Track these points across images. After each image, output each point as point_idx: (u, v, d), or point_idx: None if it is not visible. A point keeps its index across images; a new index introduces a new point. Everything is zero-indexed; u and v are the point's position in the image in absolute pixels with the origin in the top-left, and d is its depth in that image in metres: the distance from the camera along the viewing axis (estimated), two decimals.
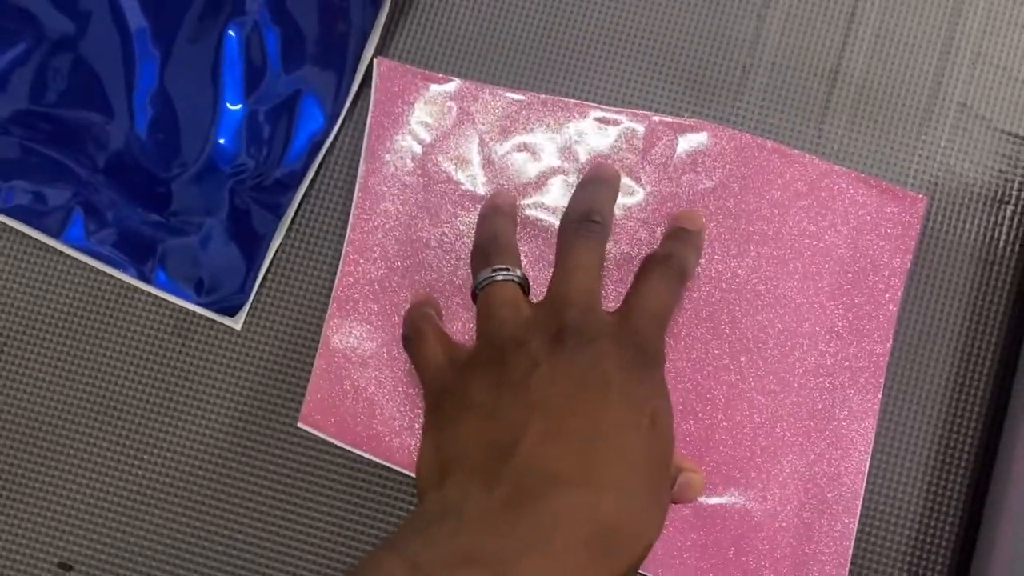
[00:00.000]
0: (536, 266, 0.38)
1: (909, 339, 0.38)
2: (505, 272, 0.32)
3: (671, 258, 0.33)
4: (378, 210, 0.39)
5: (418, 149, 0.39)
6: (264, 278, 0.39)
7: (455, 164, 0.39)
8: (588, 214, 0.32)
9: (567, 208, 0.33)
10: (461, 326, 0.38)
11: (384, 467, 0.38)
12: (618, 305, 0.32)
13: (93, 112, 0.40)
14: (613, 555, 0.25)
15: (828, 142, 0.39)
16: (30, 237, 0.39)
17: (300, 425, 0.38)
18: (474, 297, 0.32)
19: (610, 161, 0.39)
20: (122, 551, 0.38)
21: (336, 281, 0.38)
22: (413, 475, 0.37)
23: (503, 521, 0.25)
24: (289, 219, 0.39)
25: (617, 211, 0.38)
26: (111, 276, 0.39)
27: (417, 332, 0.33)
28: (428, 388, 0.31)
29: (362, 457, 0.38)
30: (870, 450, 0.37)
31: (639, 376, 0.28)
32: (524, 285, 0.32)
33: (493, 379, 0.29)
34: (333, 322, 0.38)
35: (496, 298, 0.31)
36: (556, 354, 0.28)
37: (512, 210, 0.36)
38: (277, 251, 0.39)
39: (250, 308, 0.39)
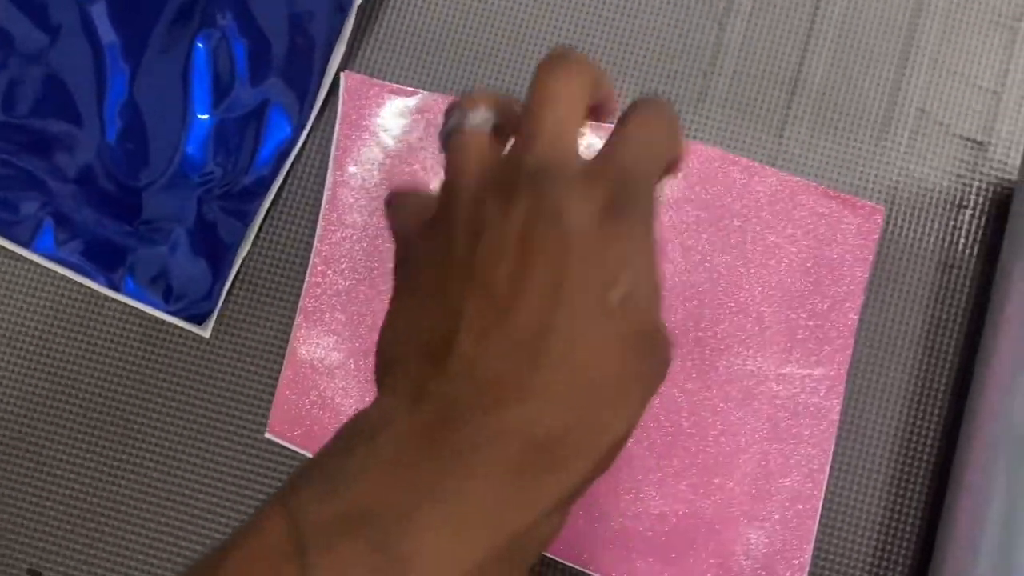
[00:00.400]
0: None
1: (870, 345, 0.38)
2: (478, 115, 0.25)
3: (660, 100, 0.26)
4: (346, 221, 0.39)
5: (385, 161, 0.39)
6: (232, 286, 0.39)
7: (421, 175, 0.39)
8: (570, 50, 0.25)
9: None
10: None
11: None
12: None
13: (64, 122, 0.40)
14: (557, 471, 0.22)
15: (789, 149, 0.39)
16: (0, 246, 0.40)
17: (267, 435, 0.38)
18: (444, 150, 0.26)
19: None
20: (91, 558, 0.38)
21: (303, 292, 0.39)
22: None
23: (417, 457, 0.21)
24: (256, 227, 0.39)
25: None
26: (80, 284, 0.40)
27: (395, 195, 0.28)
28: (395, 254, 0.27)
29: None
30: (830, 459, 0.37)
31: (613, 229, 0.22)
32: (503, 132, 0.26)
33: (441, 249, 0.23)
34: (300, 332, 0.39)
35: (458, 148, 0.25)
36: (508, 212, 0.22)
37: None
38: (245, 259, 0.39)
39: (219, 316, 0.39)
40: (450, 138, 0.25)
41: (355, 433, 0.23)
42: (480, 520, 0.21)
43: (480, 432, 0.21)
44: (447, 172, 0.25)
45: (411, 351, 0.23)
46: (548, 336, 0.22)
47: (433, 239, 0.24)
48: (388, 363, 0.24)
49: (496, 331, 0.22)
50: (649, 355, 0.23)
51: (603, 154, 0.24)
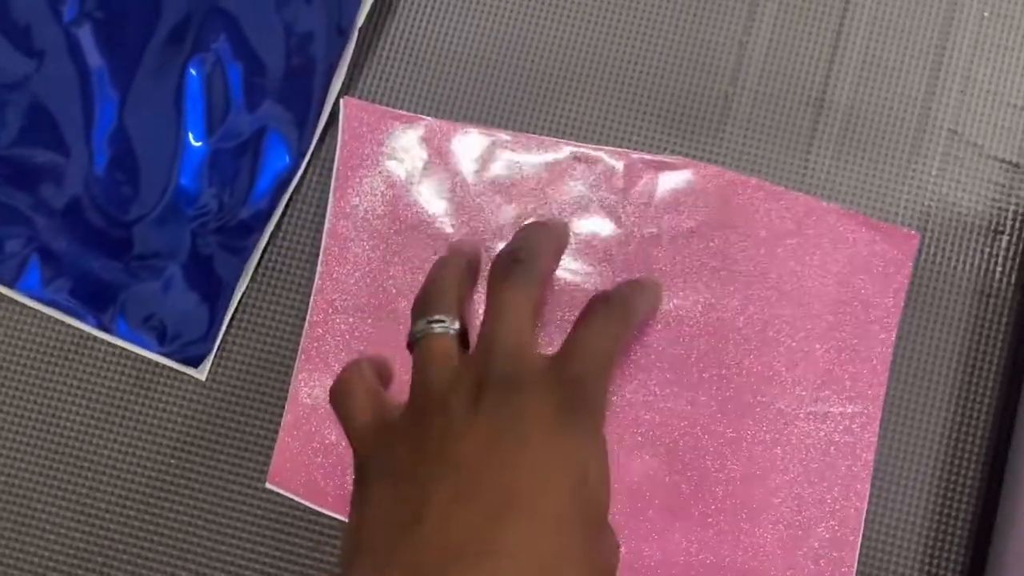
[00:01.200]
0: None
1: (905, 379, 0.36)
2: (441, 324, 0.29)
3: (614, 297, 0.30)
4: (348, 256, 0.37)
5: (388, 191, 0.37)
6: (230, 325, 0.37)
7: (427, 206, 0.37)
8: (514, 254, 0.29)
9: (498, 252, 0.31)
10: None
11: None
12: None
13: (49, 152, 0.38)
14: None
15: (815, 173, 0.37)
16: None
17: (268, 485, 0.36)
18: (410, 350, 0.30)
19: (590, 200, 0.37)
20: None
21: (304, 332, 0.37)
22: None
23: None
24: (255, 263, 0.37)
25: (598, 249, 0.37)
26: (68, 325, 0.37)
27: (344, 388, 0.30)
28: (355, 455, 0.29)
29: (335, 519, 0.36)
30: (866, 500, 0.35)
31: (569, 427, 0.26)
32: (464, 339, 0.30)
33: (412, 442, 0.26)
34: (302, 375, 0.36)
35: (428, 352, 0.29)
36: (475, 410, 0.26)
37: (472, 254, 0.34)
38: (243, 297, 0.37)
39: (215, 357, 0.37)
40: (417, 342, 0.29)
41: None
42: None
43: None
44: (416, 373, 0.28)
45: (380, 531, 0.25)
46: (509, 509, 0.24)
47: (401, 433, 0.27)
48: (356, 547, 0.26)
49: (463, 502, 0.24)
50: (601, 535, 0.26)
51: (560, 358, 0.28)
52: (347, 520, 0.27)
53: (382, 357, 0.34)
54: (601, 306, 0.29)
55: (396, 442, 0.27)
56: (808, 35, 0.38)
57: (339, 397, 0.30)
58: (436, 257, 0.37)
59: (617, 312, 0.29)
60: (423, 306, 0.30)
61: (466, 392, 0.27)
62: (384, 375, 0.32)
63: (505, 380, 0.26)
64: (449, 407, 0.26)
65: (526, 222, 0.36)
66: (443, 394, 0.27)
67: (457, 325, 0.29)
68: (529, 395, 0.26)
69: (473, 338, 0.31)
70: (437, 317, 0.29)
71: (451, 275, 0.31)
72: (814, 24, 0.38)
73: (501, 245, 0.37)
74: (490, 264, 0.30)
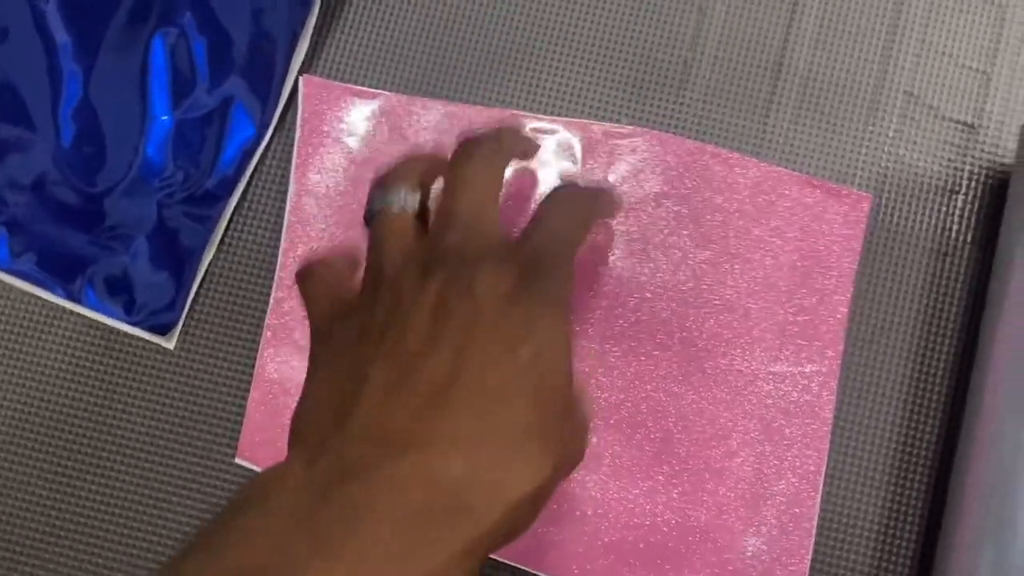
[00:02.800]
0: None
1: (863, 338, 0.37)
2: (400, 197, 0.27)
3: (580, 187, 0.29)
4: (311, 232, 0.37)
5: (350, 167, 0.38)
6: (197, 294, 0.38)
7: None
8: (477, 137, 0.28)
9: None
10: None
11: None
12: None
13: (16, 128, 0.39)
14: (461, 518, 0.21)
15: (774, 137, 0.38)
16: None
17: (237, 460, 0.36)
18: (367, 225, 0.28)
19: (548, 172, 0.37)
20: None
21: (269, 309, 0.37)
22: None
23: (310, 514, 0.21)
24: (220, 232, 0.38)
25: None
26: (36, 296, 0.38)
27: (307, 270, 0.28)
28: (311, 336, 0.27)
29: None
30: (826, 457, 0.35)
31: (524, 302, 0.23)
32: (424, 217, 0.28)
33: (359, 323, 0.24)
34: (268, 351, 0.37)
35: (383, 228, 0.26)
36: (424, 285, 0.24)
37: (438, 159, 0.30)
38: (209, 266, 0.38)
39: (184, 326, 0.37)
40: (374, 218, 0.27)
41: (247, 496, 0.22)
42: (378, 572, 0.21)
43: (377, 483, 0.21)
44: (370, 251, 0.27)
45: (318, 418, 0.23)
46: (452, 387, 0.22)
47: (352, 315, 0.25)
48: (296, 433, 0.24)
49: (400, 389, 0.22)
50: (562, 416, 0.24)
51: (521, 235, 0.26)
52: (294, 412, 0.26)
53: (354, 247, 0.33)
54: (565, 192, 0.28)
55: (344, 325, 0.25)
56: (766, 0, 0.39)
57: (302, 279, 0.28)
58: None
59: (582, 198, 0.28)
60: (382, 182, 0.28)
61: (416, 267, 0.24)
62: (355, 265, 0.30)
63: (458, 252, 0.24)
64: (397, 284, 0.24)
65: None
66: (394, 271, 0.25)
67: (415, 202, 0.27)
68: (483, 267, 0.24)
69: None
70: (394, 192, 0.27)
71: (415, 159, 0.29)
72: None
73: None
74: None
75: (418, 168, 0.28)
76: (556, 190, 0.28)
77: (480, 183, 0.26)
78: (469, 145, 0.27)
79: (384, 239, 0.26)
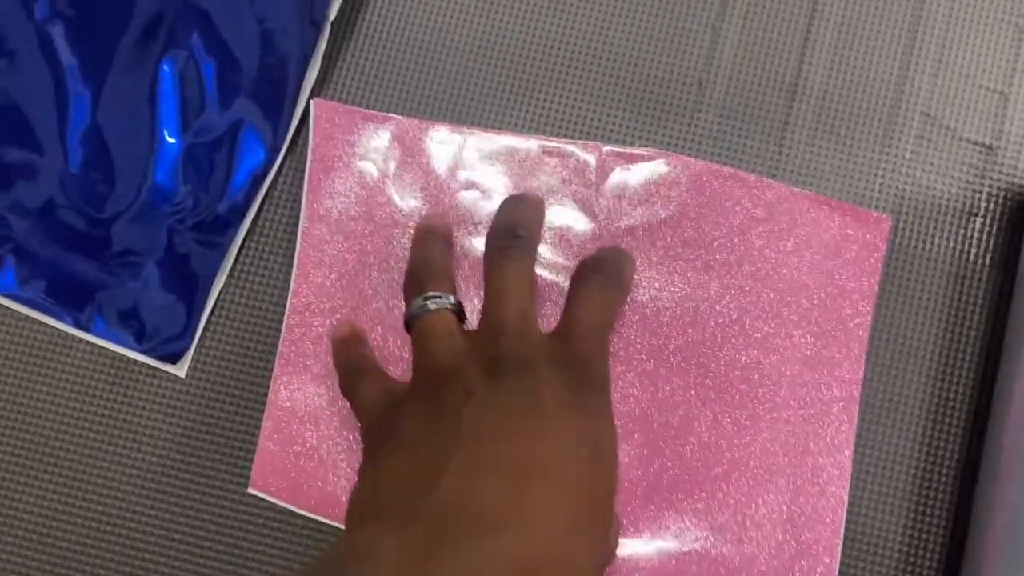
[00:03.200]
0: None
1: (883, 363, 0.36)
2: (438, 300, 0.30)
3: (605, 263, 0.31)
4: (324, 259, 0.37)
5: (362, 192, 0.37)
6: (209, 322, 0.37)
7: (401, 206, 0.37)
8: (513, 230, 0.31)
9: (491, 227, 0.32)
10: (400, 370, 0.36)
11: (340, 529, 0.36)
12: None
13: (23, 151, 0.38)
14: None
15: (789, 159, 0.37)
16: None
17: (250, 490, 0.36)
18: (408, 327, 0.31)
19: (563, 195, 0.37)
20: None
21: (281, 336, 0.37)
22: None
23: (410, 570, 0.23)
24: (232, 258, 0.37)
25: (573, 243, 0.37)
26: (45, 324, 0.37)
27: (355, 372, 0.32)
28: (365, 427, 0.30)
29: (320, 521, 0.36)
30: (847, 484, 0.35)
31: (580, 402, 0.27)
32: (459, 312, 0.31)
33: (426, 412, 0.27)
34: (281, 379, 0.36)
35: (430, 328, 0.30)
36: (490, 384, 0.27)
37: (447, 231, 0.35)
38: (221, 293, 0.37)
39: (195, 354, 0.37)
40: (416, 320, 0.30)
41: (339, 556, 0.24)
42: None
43: (470, 550, 0.23)
44: (418, 351, 0.29)
45: (398, 494, 0.25)
46: (529, 475, 0.25)
47: (411, 407, 0.28)
48: (370, 509, 0.26)
49: (482, 469, 0.25)
50: (608, 514, 0.27)
51: (564, 336, 0.29)
52: (354, 490, 0.28)
53: (360, 329, 0.35)
54: (594, 276, 0.31)
55: (407, 412, 0.28)
56: (781, 19, 0.38)
57: (350, 380, 0.31)
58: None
59: (611, 281, 0.31)
60: (416, 284, 0.31)
61: (478, 366, 0.27)
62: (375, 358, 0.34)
63: (518, 358, 0.27)
64: (463, 379, 0.27)
65: (505, 197, 0.36)
66: (453, 367, 0.28)
67: (453, 299, 0.30)
68: (541, 373, 0.27)
69: (469, 313, 0.34)
70: (433, 293, 0.30)
71: (436, 251, 0.33)
72: (787, 8, 0.38)
73: (477, 241, 0.37)
74: (486, 238, 0.31)
75: (446, 262, 0.32)
76: (586, 272, 0.31)
77: (519, 285, 0.30)
78: (503, 243, 0.30)
79: (433, 337, 0.29)
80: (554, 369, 0.27)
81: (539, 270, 0.37)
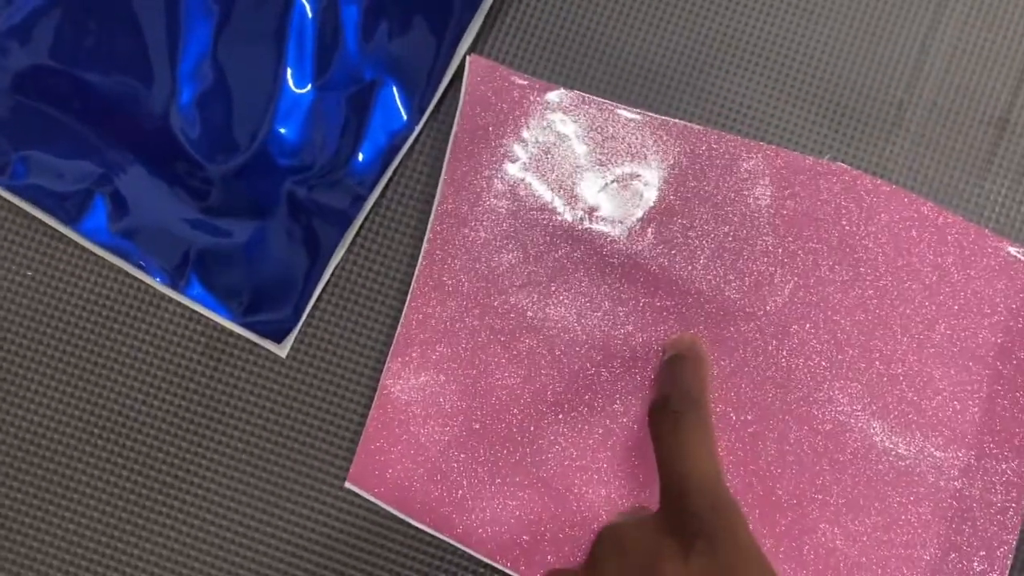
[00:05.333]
0: (644, 318, 0.32)
1: None
2: None
3: (671, 400, 0.27)
4: (457, 238, 0.32)
5: (510, 168, 0.33)
6: (319, 299, 0.33)
7: (552, 189, 0.33)
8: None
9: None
10: (528, 371, 0.32)
11: (440, 541, 0.32)
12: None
13: (128, 77, 0.33)
14: None
15: (989, 201, 0.33)
16: (43, 221, 0.33)
17: (347, 485, 0.32)
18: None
19: (740, 200, 0.33)
20: None
21: (402, 318, 0.32)
22: (474, 555, 0.32)
23: None
24: (354, 232, 0.33)
25: (729, 254, 0.33)
26: (133, 278, 0.33)
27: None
28: None
29: (417, 527, 0.32)
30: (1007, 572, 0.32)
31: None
32: None
33: None
34: (394, 366, 0.32)
35: None
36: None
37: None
38: (336, 269, 0.33)
39: (299, 333, 0.33)
40: None
41: None
42: None
43: None
44: None
45: None
46: None
47: None
48: None
49: None
50: None
51: (665, 509, 0.25)
52: None
53: None
54: (666, 417, 0.27)
55: None
56: (998, 44, 0.34)
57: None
58: (558, 247, 0.32)
59: (682, 408, 0.27)
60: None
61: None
62: None
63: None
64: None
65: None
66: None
67: None
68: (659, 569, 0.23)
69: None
70: None
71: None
72: (1007, 32, 0.34)
73: (633, 246, 0.32)
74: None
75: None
76: (651, 413, 0.27)
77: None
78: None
79: None
80: (670, 559, 0.23)
81: (696, 276, 0.32)
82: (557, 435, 0.32)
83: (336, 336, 0.33)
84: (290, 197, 0.33)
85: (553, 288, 0.32)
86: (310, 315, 0.33)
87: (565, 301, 0.32)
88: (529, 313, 0.32)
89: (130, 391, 0.32)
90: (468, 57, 0.33)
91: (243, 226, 0.33)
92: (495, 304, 0.32)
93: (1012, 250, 0.32)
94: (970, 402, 0.32)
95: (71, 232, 0.32)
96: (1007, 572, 0.32)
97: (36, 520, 0.32)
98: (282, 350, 0.32)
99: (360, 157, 0.33)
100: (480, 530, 0.32)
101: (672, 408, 0.27)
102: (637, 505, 0.32)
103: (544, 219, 0.33)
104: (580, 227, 0.33)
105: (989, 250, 0.32)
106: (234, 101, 0.33)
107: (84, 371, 0.32)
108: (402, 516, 0.32)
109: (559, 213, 0.33)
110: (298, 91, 0.33)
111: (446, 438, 0.32)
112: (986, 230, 0.33)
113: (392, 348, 0.32)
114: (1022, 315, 0.32)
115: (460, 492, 0.32)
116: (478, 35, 0.33)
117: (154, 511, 0.32)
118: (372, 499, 0.32)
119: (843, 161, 0.33)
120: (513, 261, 0.33)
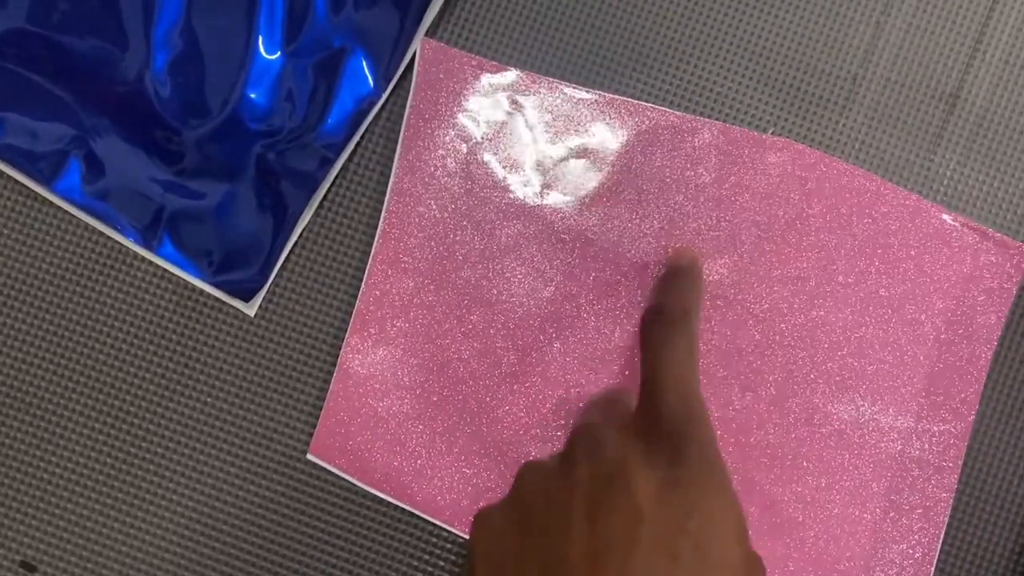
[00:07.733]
0: (594, 291, 0.33)
1: (1000, 399, 0.34)
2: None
3: (664, 309, 0.28)
4: (412, 216, 0.33)
5: (463, 147, 0.34)
6: (286, 260, 0.34)
7: (504, 167, 0.34)
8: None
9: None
10: (483, 344, 0.33)
11: (401, 509, 0.33)
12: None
13: (103, 42, 0.34)
14: None
15: (939, 174, 0.34)
16: (17, 181, 0.34)
17: (310, 456, 0.33)
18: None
19: (679, 180, 0.34)
20: (91, 556, 0.33)
21: (360, 295, 0.33)
22: (433, 521, 0.33)
23: None
24: (321, 195, 0.34)
25: (685, 232, 0.34)
26: (107, 237, 0.34)
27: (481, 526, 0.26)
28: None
29: (378, 496, 0.33)
30: (943, 528, 0.33)
31: (678, 488, 0.23)
32: None
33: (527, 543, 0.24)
34: (353, 341, 0.33)
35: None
36: (572, 496, 0.23)
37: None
38: (303, 231, 0.34)
39: (267, 293, 0.34)
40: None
41: None
42: None
43: None
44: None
45: None
46: (700, 557, 0.22)
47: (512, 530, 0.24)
48: None
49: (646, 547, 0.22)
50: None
51: (642, 411, 0.25)
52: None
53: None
54: (660, 326, 0.27)
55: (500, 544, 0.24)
56: (951, 22, 0.35)
57: (477, 536, 0.26)
58: (510, 223, 0.33)
59: (676, 319, 0.28)
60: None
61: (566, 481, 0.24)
62: None
63: (590, 455, 0.24)
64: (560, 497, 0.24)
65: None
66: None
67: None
68: (628, 468, 0.23)
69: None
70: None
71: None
72: (959, 10, 0.35)
73: (582, 220, 0.33)
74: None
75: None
76: (645, 320, 0.28)
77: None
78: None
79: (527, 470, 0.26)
80: (641, 458, 0.24)
81: (647, 251, 0.34)
82: (512, 405, 0.33)
83: (303, 296, 0.34)
84: (260, 160, 0.33)
85: (507, 263, 0.33)
86: (278, 275, 0.34)
87: (518, 276, 0.33)
88: (484, 288, 0.33)
89: (102, 347, 0.33)
90: (420, 41, 0.34)
91: (215, 188, 0.33)
92: (450, 279, 0.33)
93: (946, 218, 0.34)
94: (911, 367, 0.33)
95: (46, 191, 0.33)
96: (943, 529, 0.33)
97: (5, 475, 0.33)
98: (250, 309, 0.33)
99: (328, 122, 0.34)
100: (439, 497, 0.33)
101: (665, 317, 0.28)
102: (615, 387, 0.32)
103: (497, 196, 0.34)
104: (532, 204, 0.34)
105: (931, 219, 0.34)
106: (206, 67, 0.34)
107: (57, 327, 0.33)
108: (363, 486, 0.33)
109: (512, 191, 0.34)
110: (268, 57, 0.34)
111: (405, 410, 0.33)
112: (926, 200, 0.34)
113: (351, 324, 0.33)
114: (961, 283, 0.33)
115: (419, 462, 0.33)
116: (441, 12, 0.34)
117: (126, 462, 0.33)
118: (334, 470, 0.33)
119: (797, 136, 0.34)
120: (467, 238, 0.34)
